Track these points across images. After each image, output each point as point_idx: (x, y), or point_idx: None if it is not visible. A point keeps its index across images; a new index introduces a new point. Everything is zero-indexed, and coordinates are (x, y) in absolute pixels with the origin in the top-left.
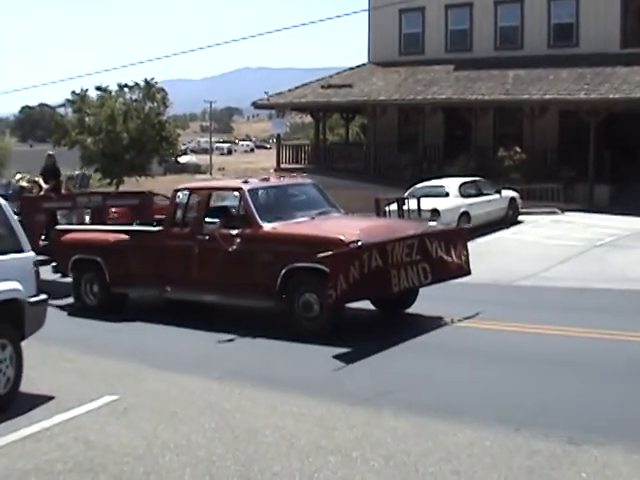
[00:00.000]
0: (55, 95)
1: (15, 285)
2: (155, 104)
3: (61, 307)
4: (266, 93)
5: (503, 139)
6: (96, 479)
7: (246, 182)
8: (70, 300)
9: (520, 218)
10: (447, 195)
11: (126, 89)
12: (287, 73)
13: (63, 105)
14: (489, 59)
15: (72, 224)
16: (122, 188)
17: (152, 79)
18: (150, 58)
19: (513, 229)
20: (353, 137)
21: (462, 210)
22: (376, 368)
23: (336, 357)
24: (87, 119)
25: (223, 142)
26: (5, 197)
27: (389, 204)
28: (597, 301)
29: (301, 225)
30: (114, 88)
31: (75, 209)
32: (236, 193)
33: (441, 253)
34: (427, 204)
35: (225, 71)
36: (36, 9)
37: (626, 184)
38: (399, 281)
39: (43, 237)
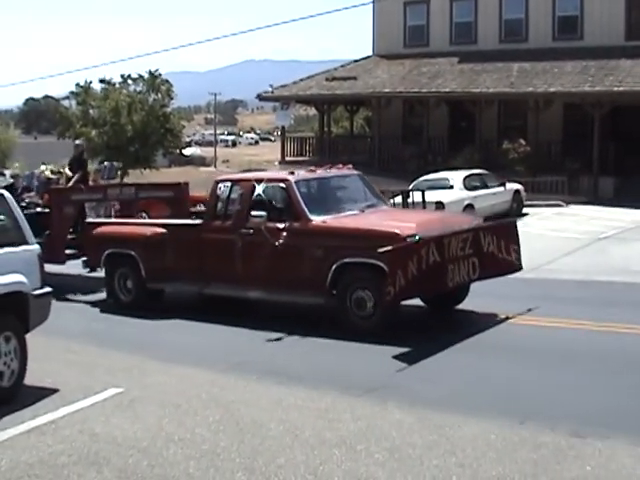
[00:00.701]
0: (59, 87)
1: (19, 278)
2: (159, 96)
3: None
4: (271, 86)
5: (507, 132)
6: (100, 472)
7: (292, 173)
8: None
9: (524, 211)
10: (451, 188)
11: (130, 81)
12: (291, 65)
13: (67, 97)
14: (494, 52)
15: (100, 217)
16: (126, 180)
17: (156, 71)
18: (154, 50)
19: (517, 222)
20: (358, 129)
21: (466, 203)
22: (386, 361)
23: (344, 350)
24: (91, 111)
25: (228, 134)
26: (30, 189)
27: (394, 196)
28: (601, 294)
29: (352, 218)
30: (118, 80)
31: (105, 201)
32: (282, 184)
33: (492, 248)
34: (431, 197)
35: (229, 63)
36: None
37: (630, 176)
38: (453, 276)
39: (71, 230)
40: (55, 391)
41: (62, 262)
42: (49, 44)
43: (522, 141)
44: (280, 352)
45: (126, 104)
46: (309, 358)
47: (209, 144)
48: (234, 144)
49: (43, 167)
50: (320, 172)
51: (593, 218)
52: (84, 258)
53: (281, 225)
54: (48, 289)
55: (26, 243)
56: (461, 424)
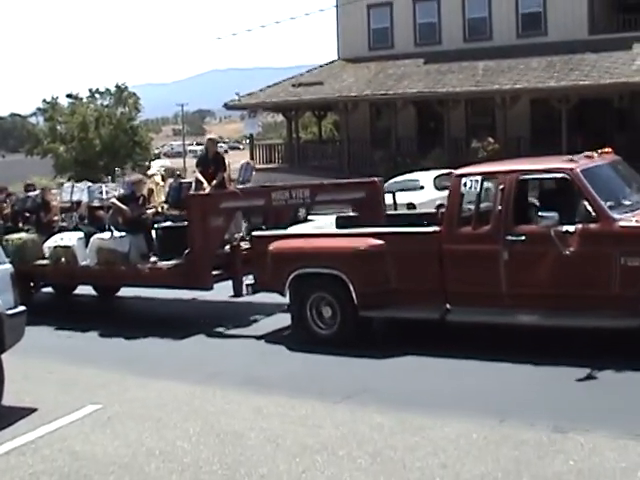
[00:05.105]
0: (26, 104)
1: None
2: (127, 109)
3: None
4: (237, 94)
5: (476, 130)
6: None
7: (572, 160)
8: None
9: None
10: (422, 188)
11: (97, 95)
12: (257, 73)
13: (34, 114)
14: (458, 51)
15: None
16: None
17: (123, 84)
18: (119, 63)
19: None
20: (326, 134)
21: (438, 203)
22: (361, 368)
23: (315, 355)
24: (59, 127)
25: (197, 145)
26: (127, 198)
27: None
28: None
29: None
30: (85, 94)
31: (267, 208)
32: (563, 175)
33: None
34: (403, 198)
35: (194, 74)
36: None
37: None
38: None
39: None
40: (33, 410)
41: (209, 287)
42: (12, 61)
43: (490, 139)
44: (255, 361)
45: (93, 119)
46: (284, 367)
47: (178, 155)
48: None
49: (156, 165)
50: (597, 159)
51: None
52: (249, 281)
53: (571, 228)
54: (22, 308)
55: None
56: (442, 425)
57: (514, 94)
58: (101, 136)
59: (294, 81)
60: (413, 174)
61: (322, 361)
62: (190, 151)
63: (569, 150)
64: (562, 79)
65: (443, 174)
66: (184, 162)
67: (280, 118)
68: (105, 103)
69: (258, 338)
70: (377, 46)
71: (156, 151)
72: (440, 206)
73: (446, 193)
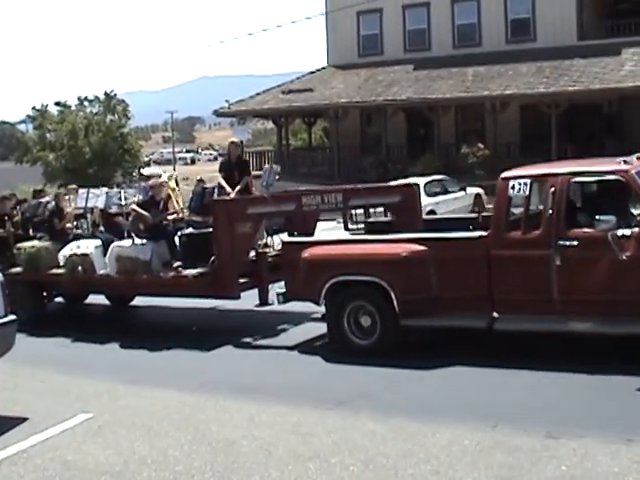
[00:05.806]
0: (15, 112)
1: None
2: (116, 116)
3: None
4: (227, 101)
5: (466, 136)
6: None
7: (626, 162)
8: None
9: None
10: None
11: (86, 103)
12: (247, 80)
13: (23, 121)
14: (448, 57)
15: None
16: None
17: (112, 91)
18: (109, 71)
19: None
20: (316, 141)
21: (428, 209)
22: (354, 375)
23: (311, 363)
24: (48, 135)
25: (186, 152)
26: (147, 204)
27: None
28: None
29: None
30: (74, 102)
31: (298, 213)
32: (616, 177)
33: None
34: None
35: (184, 81)
36: None
37: None
38: None
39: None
40: (24, 420)
41: (236, 296)
42: (2, 66)
43: (480, 145)
44: (248, 369)
45: (83, 126)
46: (277, 374)
47: (168, 162)
48: (193, 161)
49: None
50: None
51: None
52: (279, 290)
53: (627, 232)
54: (12, 317)
55: None
56: (434, 431)
57: (504, 100)
58: (90, 144)
59: (284, 88)
60: (403, 180)
61: (324, 369)
62: (180, 158)
63: (558, 155)
64: (551, 85)
65: (434, 180)
66: (174, 169)
67: (270, 125)
68: (94, 111)
69: (261, 347)
70: (367, 53)
71: (146, 159)
72: (430, 213)
73: (436, 199)
